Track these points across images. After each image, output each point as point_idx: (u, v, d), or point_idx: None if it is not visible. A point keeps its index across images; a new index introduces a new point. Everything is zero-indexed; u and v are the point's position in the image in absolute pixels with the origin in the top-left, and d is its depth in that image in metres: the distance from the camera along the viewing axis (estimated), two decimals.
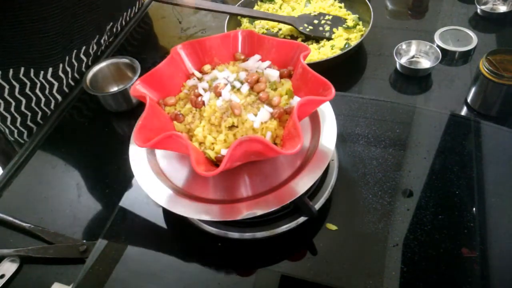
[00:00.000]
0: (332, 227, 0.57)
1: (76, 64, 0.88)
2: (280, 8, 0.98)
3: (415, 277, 0.52)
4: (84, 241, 0.61)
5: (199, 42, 0.62)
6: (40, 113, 0.87)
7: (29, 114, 0.87)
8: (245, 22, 0.97)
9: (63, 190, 0.70)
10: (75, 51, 0.87)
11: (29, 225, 0.64)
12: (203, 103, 0.55)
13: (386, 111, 0.71)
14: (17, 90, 0.82)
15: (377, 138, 0.67)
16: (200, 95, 0.56)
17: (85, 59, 0.90)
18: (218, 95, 0.56)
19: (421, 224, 0.56)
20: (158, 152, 0.61)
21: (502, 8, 0.93)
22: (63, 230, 0.64)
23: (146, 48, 1.01)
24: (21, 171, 0.74)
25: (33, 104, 0.86)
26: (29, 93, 0.84)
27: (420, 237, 0.55)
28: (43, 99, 0.86)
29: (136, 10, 1.06)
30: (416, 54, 0.84)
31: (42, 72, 0.83)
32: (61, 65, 0.85)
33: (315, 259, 0.55)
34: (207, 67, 0.61)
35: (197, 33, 1.03)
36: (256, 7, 0.99)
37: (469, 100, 0.74)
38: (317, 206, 0.56)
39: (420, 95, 0.78)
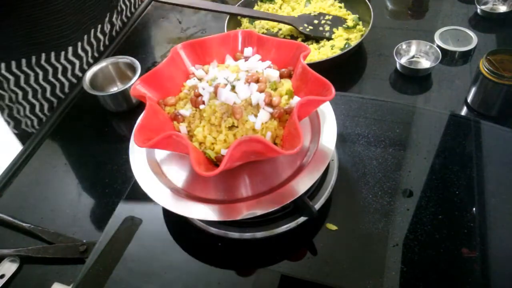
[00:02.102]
0: (332, 227, 0.57)
1: (95, 43, 0.93)
2: (280, 8, 0.98)
3: (415, 277, 0.52)
4: (84, 241, 0.61)
5: (199, 42, 0.62)
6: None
7: (55, 100, 0.92)
8: (245, 22, 0.97)
9: (63, 190, 0.71)
10: (92, 29, 0.91)
11: (29, 225, 0.64)
12: (203, 103, 0.55)
13: (386, 111, 0.71)
14: (41, 77, 0.87)
15: (377, 138, 0.67)
16: (200, 95, 0.56)
17: (102, 38, 0.95)
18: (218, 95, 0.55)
19: (421, 224, 0.56)
20: (158, 152, 0.61)
21: (502, 8, 0.93)
22: (63, 230, 0.64)
23: (146, 48, 1.01)
24: (21, 171, 0.74)
25: (57, 91, 0.91)
26: (52, 79, 0.89)
27: (420, 237, 0.55)
28: (66, 84, 0.91)
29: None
30: (416, 54, 0.84)
31: (63, 53, 0.87)
32: (79, 44, 0.89)
33: (315, 259, 0.55)
34: (207, 67, 0.61)
35: (197, 33, 1.03)
36: (256, 7, 0.99)
37: (469, 100, 0.74)
38: (317, 206, 0.56)
39: (420, 95, 0.78)
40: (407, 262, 0.53)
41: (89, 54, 0.93)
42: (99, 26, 0.93)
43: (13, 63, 0.84)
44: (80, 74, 0.92)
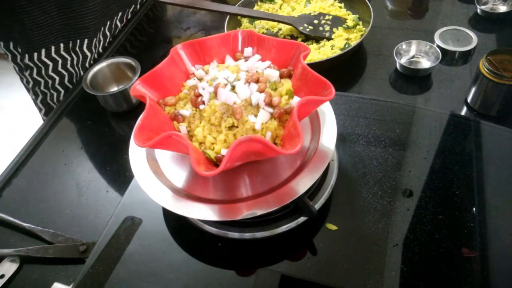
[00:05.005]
0: (332, 227, 0.57)
1: (113, 29, 1.00)
2: (280, 8, 0.98)
3: (415, 277, 0.52)
4: (84, 241, 0.61)
5: (199, 42, 0.62)
6: None
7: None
8: (245, 22, 0.97)
9: (63, 190, 0.71)
10: (115, 17, 0.97)
11: (29, 225, 0.64)
12: (203, 103, 0.55)
13: (386, 111, 0.71)
14: (75, 61, 0.93)
15: (377, 138, 0.67)
16: (200, 95, 0.56)
17: (119, 25, 1.02)
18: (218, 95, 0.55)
19: (421, 224, 0.56)
20: (158, 152, 0.61)
21: (502, 8, 0.93)
22: (63, 230, 0.64)
23: (146, 48, 1.01)
24: (21, 171, 0.74)
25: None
26: (80, 67, 0.95)
27: (420, 237, 0.55)
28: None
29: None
30: (416, 54, 0.84)
31: (95, 40, 0.92)
32: (102, 29, 0.95)
33: (315, 259, 0.55)
34: (207, 67, 0.61)
35: (197, 33, 1.03)
36: (256, 7, 0.99)
37: (469, 100, 0.74)
38: (317, 206, 0.56)
39: (420, 95, 0.78)
40: (407, 262, 0.53)
41: (107, 40, 0.98)
42: (120, 13, 0.99)
43: (53, 48, 0.88)
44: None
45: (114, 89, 0.83)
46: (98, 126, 0.82)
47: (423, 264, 0.53)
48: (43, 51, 0.87)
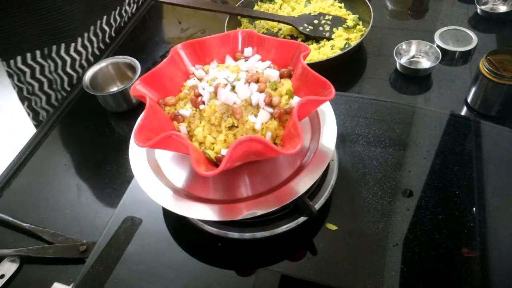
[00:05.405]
0: (332, 227, 0.57)
1: (100, 34, 0.96)
2: (280, 8, 0.98)
3: (415, 277, 0.52)
4: (84, 241, 0.61)
5: (199, 42, 0.62)
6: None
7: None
8: (245, 22, 0.97)
9: (63, 190, 0.71)
10: (98, 21, 0.94)
11: (29, 225, 0.64)
12: (203, 103, 0.55)
13: (386, 111, 0.71)
14: (52, 68, 0.91)
15: (377, 138, 0.67)
16: (200, 95, 0.56)
17: (108, 29, 0.99)
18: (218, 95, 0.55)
19: (421, 224, 0.56)
20: (158, 152, 0.61)
21: (502, 8, 0.93)
22: (63, 230, 0.64)
23: (146, 48, 1.01)
24: (21, 171, 0.74)
25: (65, 85, 0.95)
26: (61, 73, 0.93)
27: (420, 237, 0.55)
28: (74, 75, 0.95)
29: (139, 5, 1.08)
30: (416, 54, 0.84)
31: (73, 44, 0.90)
32: (86, 34, 0.93)
33: (315, 259, 0.55)
34: (207, 67, 0.61)
35: (197, 33, 1.03)
36: (256, 7, 0.99)
37: (469, 100, 0.74)
38: (317, 206, 0.56)
39: (420, 95, 0.78)
40: (407, 262, 0.53)
41: (95, 45, 0.96)
42: (105, 17, 0.96)
43: (29, 55, 0.87)
44: (85, 64, 0.96)
45: (114, 89, 0.83)
46: (98, 126, 0.81)
47: (423, 264, 0.53)
48: (18, 58, 0.87)
